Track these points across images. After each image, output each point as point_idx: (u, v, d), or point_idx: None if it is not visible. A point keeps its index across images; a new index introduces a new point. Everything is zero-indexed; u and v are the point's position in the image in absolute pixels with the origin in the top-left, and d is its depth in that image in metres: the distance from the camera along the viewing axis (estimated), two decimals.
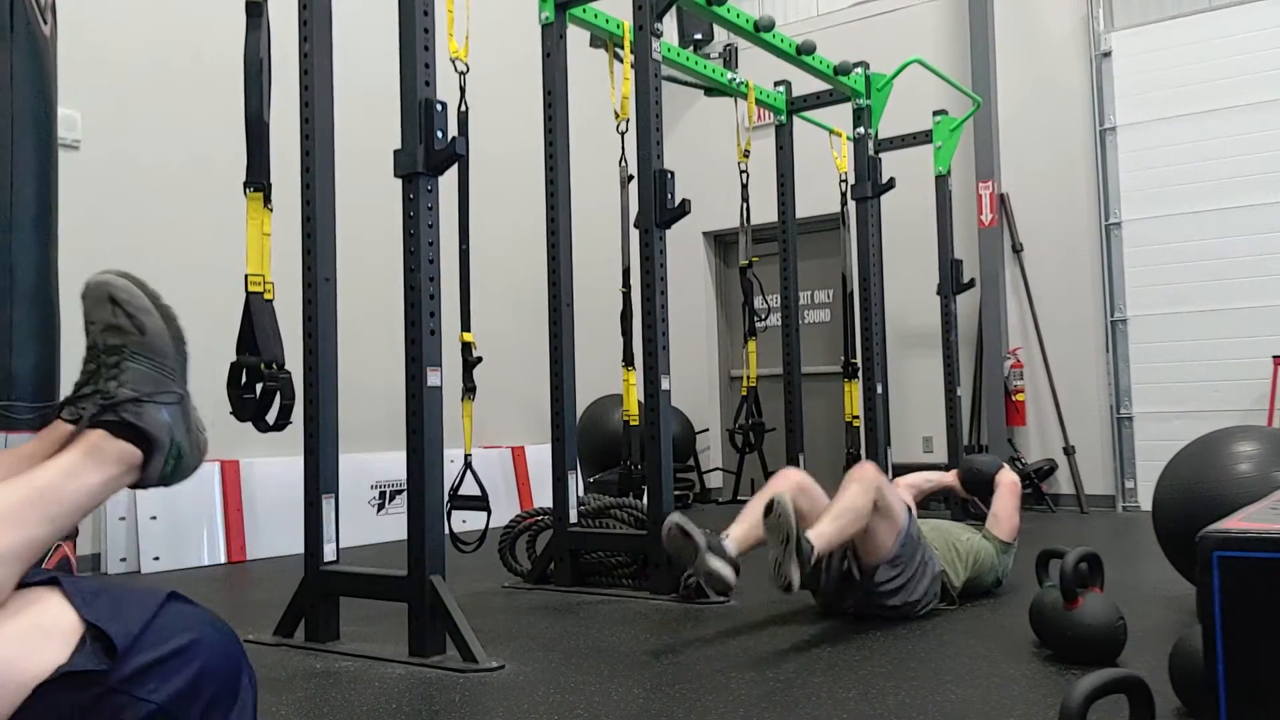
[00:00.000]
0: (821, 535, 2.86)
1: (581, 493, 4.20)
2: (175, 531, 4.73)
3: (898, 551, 3.10)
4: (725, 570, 2.91)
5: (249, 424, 3.02)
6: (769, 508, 2.80)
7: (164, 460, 1.23)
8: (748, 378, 5.61)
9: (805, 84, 5.80)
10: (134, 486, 1.24)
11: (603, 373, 6.07)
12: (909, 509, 3.25)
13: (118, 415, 1.21)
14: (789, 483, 3.16)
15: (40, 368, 2.89)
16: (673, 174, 3.79)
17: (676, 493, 6.73)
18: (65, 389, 3.06)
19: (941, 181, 6.20)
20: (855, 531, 2.99)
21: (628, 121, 4.27)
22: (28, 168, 2.64)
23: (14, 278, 2.70)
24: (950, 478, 3.89)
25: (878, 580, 3.10)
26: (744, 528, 3.04)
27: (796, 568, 2.72)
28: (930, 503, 4.03)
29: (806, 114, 6.00)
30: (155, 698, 1.03)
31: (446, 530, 2.95)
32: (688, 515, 2.94)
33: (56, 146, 2.79)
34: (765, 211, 6.20)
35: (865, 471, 3.06)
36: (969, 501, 4.32)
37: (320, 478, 3.07)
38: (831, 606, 3.27)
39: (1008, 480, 3.66)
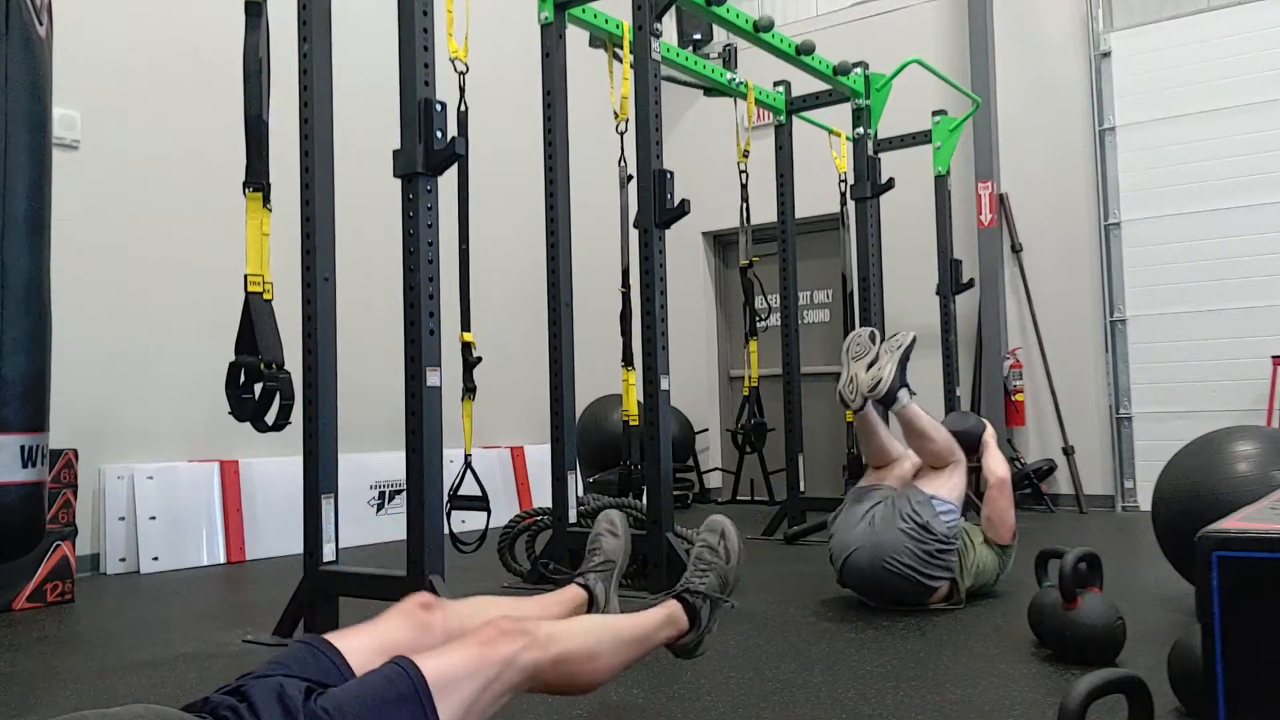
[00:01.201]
0: (916, 407, 3.29)
1: (581, 493, 4.20)
2: (175, 532, 4.73)
3: (947, 502, 3.26)
4: (864, 382, 3.37)
5: (248, 424, 3.02)
6: (895, 335, 3.36)
7: (694, 640, 2.04)
8: (749, 378, 5.61)
9: (804, 84, 5.80)
10: (670, 646, 2.03)
11: (602, 373, 6.07)
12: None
13: (692, 600, 2.05)
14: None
15: (31, 372, 2.89)
16: (672, 174, 3.79)
17: (676, 493, 6.74)
18: (56, 394, 3.04)
19: (941, 182, 6.20)
20: (933, 443, 3.32)
21: (627, 121, 4.27)
22: (22, 170, 2.64)
23: (6, 280, 2.69)
24: None
25: (925, 499, 3.25)
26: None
27: (895, 372, 3.20)
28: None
29: (806, 114, 6.00)
30: None
31: (446, 530, 2.95)
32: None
33: (51, 148, 2.79)
34: (765, 211, 6.20)
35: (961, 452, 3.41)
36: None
37: (320, 478, 3.07)
38: (848, 532, 3.35)
39: (996, 482, 3.63)
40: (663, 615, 1.97)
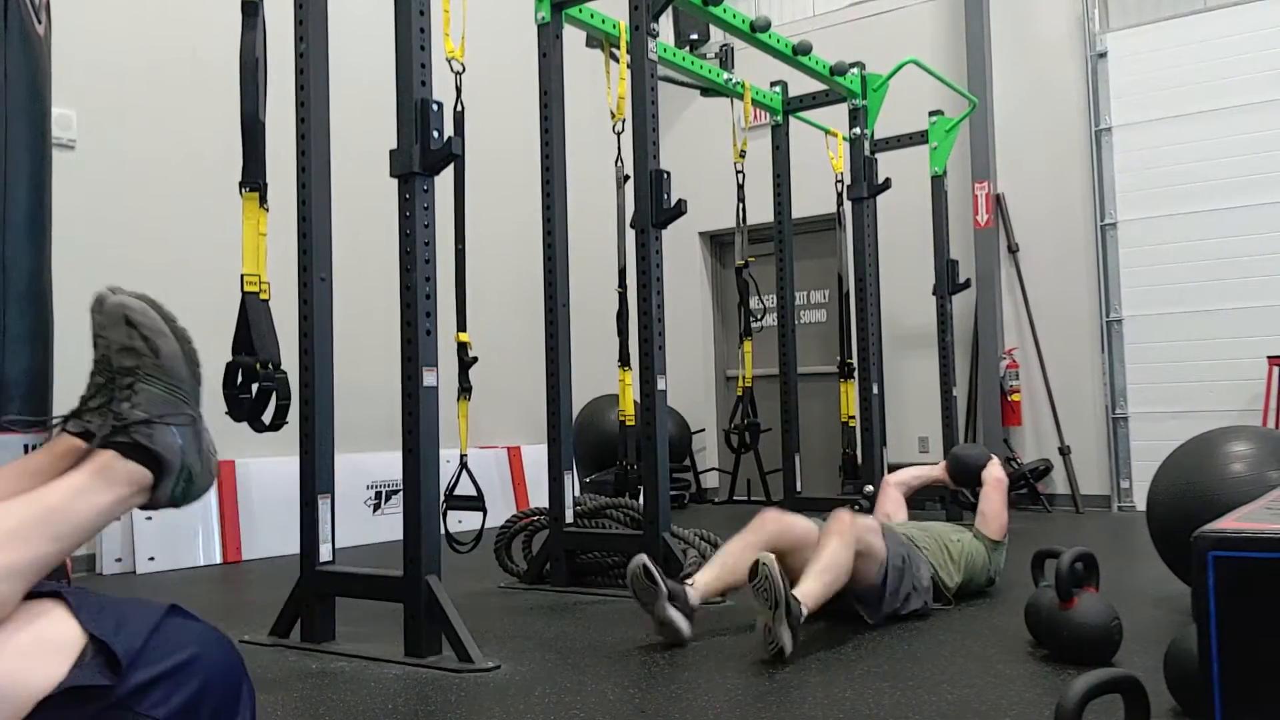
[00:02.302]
0: (809, 594, 2.78)
1: (577, 493, 4.20)
2: (171, 532, 4.72)
3: (881, 581, 3.07)
4: (681, 623, 2.90)
5: (245, 424, 3.02)
6: (753, 570, 2.70)
7: (174, 483, 1.23)
8: (743, 378, 5.62)
9: (801, 84, 5.80)
10: (143, 508, 1.22)
11: (599, 373, 6.07)
12: (891, 531, 3.23)
13: (129, 436, 1.21)
14: (766, 534, 3.14)
15: (33, 371, 2.88)
16: (669, 174, 3.79)
17: (672, 493, 6.72)
18: (59, 392, 3.06)
19: (937, 182, 6.21)
20: (840, 585, 2.91)
21: (624, 121, 4.27)
22: (21, 168, 2.63)
23: (7, 278, 2.69)
24: (939, 470, 3.92)
25: (861, 599, 3.09)
26: (713, 574, 3.05)
27: (788, 631, 2.64)
28: (924, 503, 4.04)
29: (803, 114, 6.01)
30: (157, 713, 1.03)
31: (442, 530, 2.95)
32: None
33: (51, 146, 2.79)
34: (761, 211, 6.20)
35: (843, 524, 2.97)
36: (958, 492, 4.33)
37: (316, 478, 3.06)
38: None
39: (993, 477, 3.65)
40: (87, 477, 1.16)
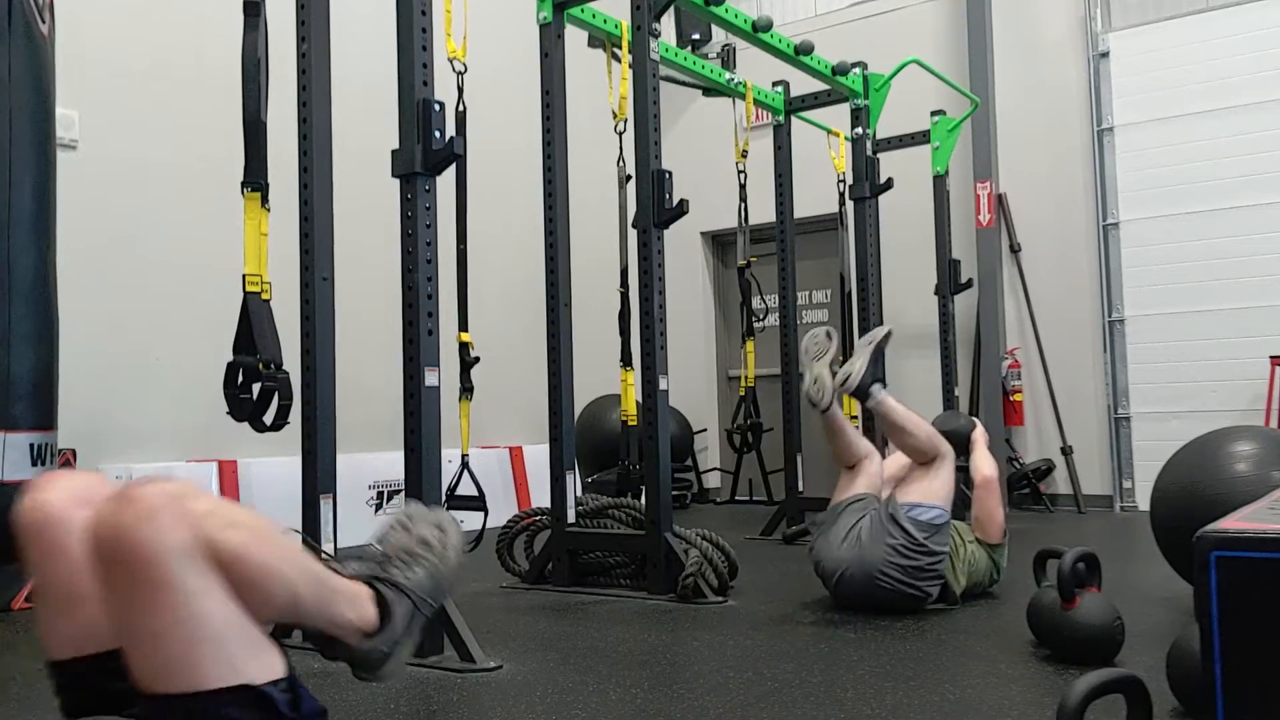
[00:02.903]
0: (891, 400, 3.22)
1: (579, 493, 4.20)
2: None
3: (931, 509, 3.17)
4: (829, 383, 3.23)
5: (246, 424, 3.02)
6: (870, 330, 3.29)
7: (379, 647, 1.44)
8: (746, 378, 5.61)
9: (803, 84, 5.80)
10: (332, 650, 1.45)
11: (601, 373, 6.06)
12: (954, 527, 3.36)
13: (383, 589, 1.46)
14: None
15: (38, 369, 2.88)
16: (670, 174, 3.79)
17: (674, 493, 6.73)
18: (62, 391, 3.04)
19: (939, 182, 6.20)
20: (913, 438, 3.23)
21: (625, 121, 4.27)
22: (26, 168, 2.63)
23: (12, 277, 2.69)
24: None
25: (908, 514, 3.16)
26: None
27: (866, 366, 3.10)
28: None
29: (804, 114, 6.00)
30: None
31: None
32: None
33: (55, 146, 2.79)
34: (763, 211, 6.20)
35: (947, 444, 3.34)
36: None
37: (318, 478, 3.06)
38: (830, 557, 3.28)
39: (981, 476, 3.60)
40: (350, 587, 1.44)
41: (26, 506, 1.35)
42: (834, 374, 3.28)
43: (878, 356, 3.27)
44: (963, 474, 3.73)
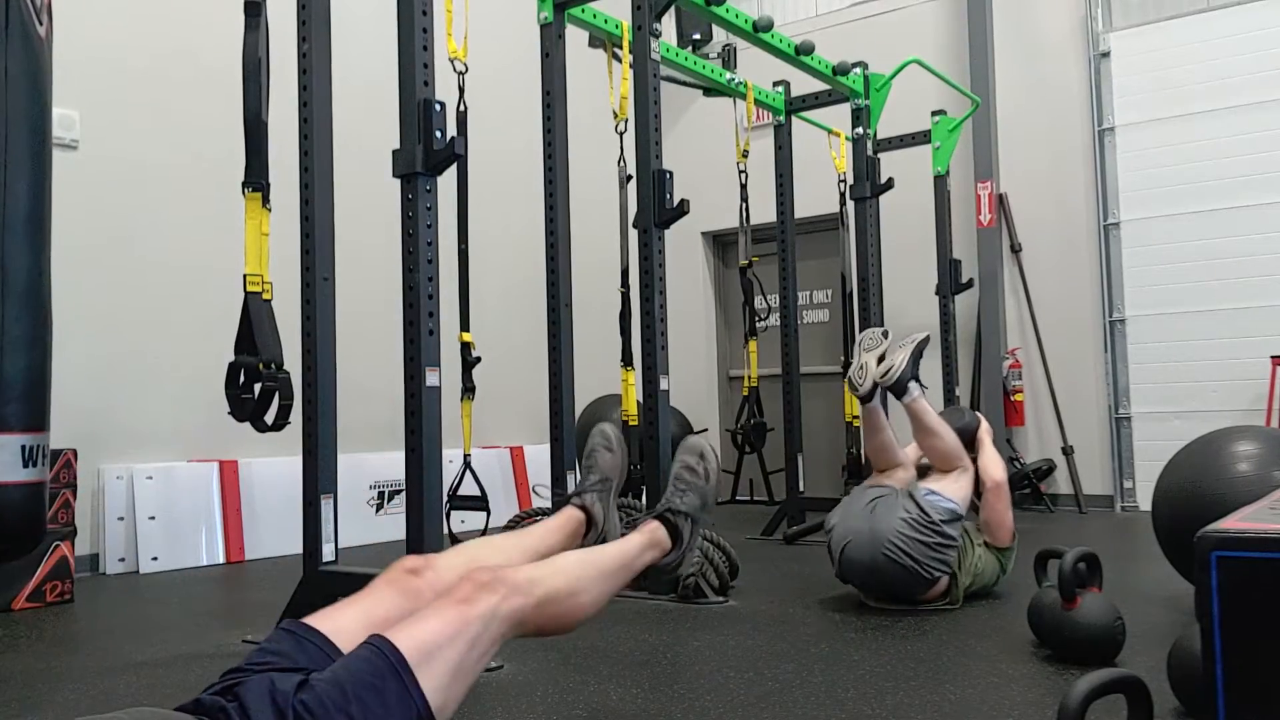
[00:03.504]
0: (925, 402, 3.35)
1: None
2: (174, 532, 4.73)
3: (951, 499, 3.27)
4: (872, 369, 3.42)
5: (247, 424, 3.02)
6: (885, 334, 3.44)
7: (676, 559, 2.04)
8: (749, 378, 5.61)
9: (804, 84, 5.79)
10: (639, 575, 1.99)
11: (602, 373, 6.07)
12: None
13: (673, 519, 2.05)
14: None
15: (31, 371, 2.89)
16: (671, 174, 3.79)
17: None
18: (56, 392, 3.04)
19: (940, 182, 6.20)
20: (942, 442, 3.38)
21: (626, 121, 4.27)
22: (21, 169, 2.63)
23: (6, 279, 2.69)
24: None
25: (928, 494, 3.27)
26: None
27: (908, 361, 3.30)
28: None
29: (805, 114, 6.00)
30: None
31: (445, 530, 2.95)
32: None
33: (51, 148, 2.79)
34: (764, 211, 6.20)
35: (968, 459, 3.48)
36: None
37: (319, 478, 3.06)
38: (846, 527, 3.34)
39: (992, 481, 3.57)
40: (644, 539, 1.98)
41: (400, 569, 1.69)
42: (878, 360, 3.45)
43: (917, 357, 3.42)
44: (975, 483, 3.74)
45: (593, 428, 2.31)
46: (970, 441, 3.69)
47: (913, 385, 3.38)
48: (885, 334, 3.55)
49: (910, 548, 3.17)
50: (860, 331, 5.66)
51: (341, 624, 1.52)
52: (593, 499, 2.13)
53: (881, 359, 3.44)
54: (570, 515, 2.10)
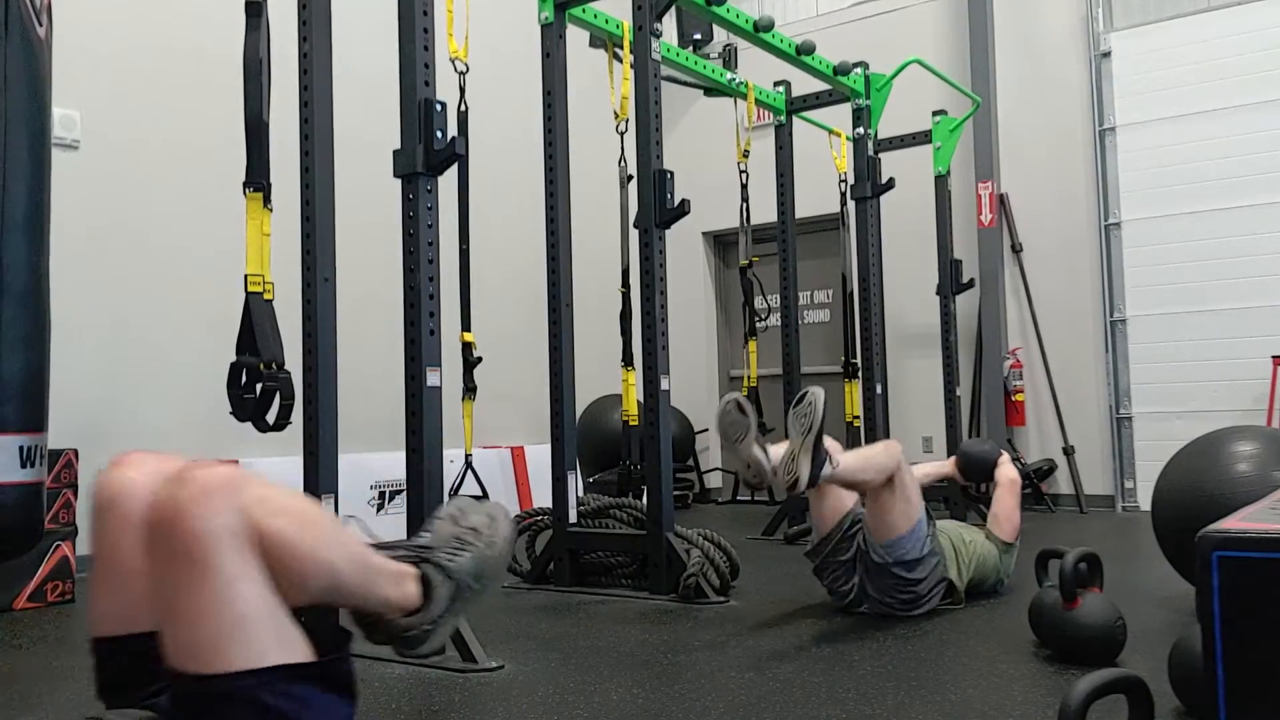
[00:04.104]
0: (843, 460, 2.80)
1: (581, 493, 4.20)
2: None
3: (910, 537, 3.08)
4: (764, 461, 2.81)
5: (249, 424, 3.02)
6: (800, 398, 2.73)
7: (419, 626, 1.51)
8: (748, 378, 5.61)
9: (805, 84, 5.80)
10: (373, 625, 1.51)
11: (602, 373, 6.06)
12: (927, 512, 3.23)
13: (434, 573, 1.53)
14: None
15: (29, 371, 2.89)
16: (672, 174, 3.79)
17: (676, 493, 6.74)
18: (54, 392, 3.03)
19: (941, 182, 6.20)
20: (872, 480, 2.93)
21: (627, 121, 4.27)
22: (20, 169, 2.63)
23: (4, 279, 2.69)
24: (949, 466, 3.92)
25: (892, 559, 3.08)
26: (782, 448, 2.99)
27: (809, 466, 2.62)
28: (932, 502, 4.05)
29: (806, 114, 6.00)
30: None
31: None
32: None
33: (50, 149, 2.79)
34: (765, 211, 6.20)
35: (892, 443, 3.10)
36: (967, 487, 4.32)
37: (320, 477, 3.06)
38: (837, 590, 3.26)
39: (1006, 478, 3.66)
40: (395, 567, 1.50)
41: (104, 480, 1.43)
42: (764, 448, 2.88)
43: (818, 444, 2.80)
44: (974, 500, 3.74)
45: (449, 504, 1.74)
46: (990, 470, 3.71)
47: (824, 470, 2.85)
48: (741, 406, 2.91)
49: (908, 599, 3.16)
50: (858, 331, 5.70)
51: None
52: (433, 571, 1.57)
53: (759, 439, 2.91)
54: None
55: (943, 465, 3.94)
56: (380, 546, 1.52)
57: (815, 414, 2.67)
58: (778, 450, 2.94)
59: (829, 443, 2.91)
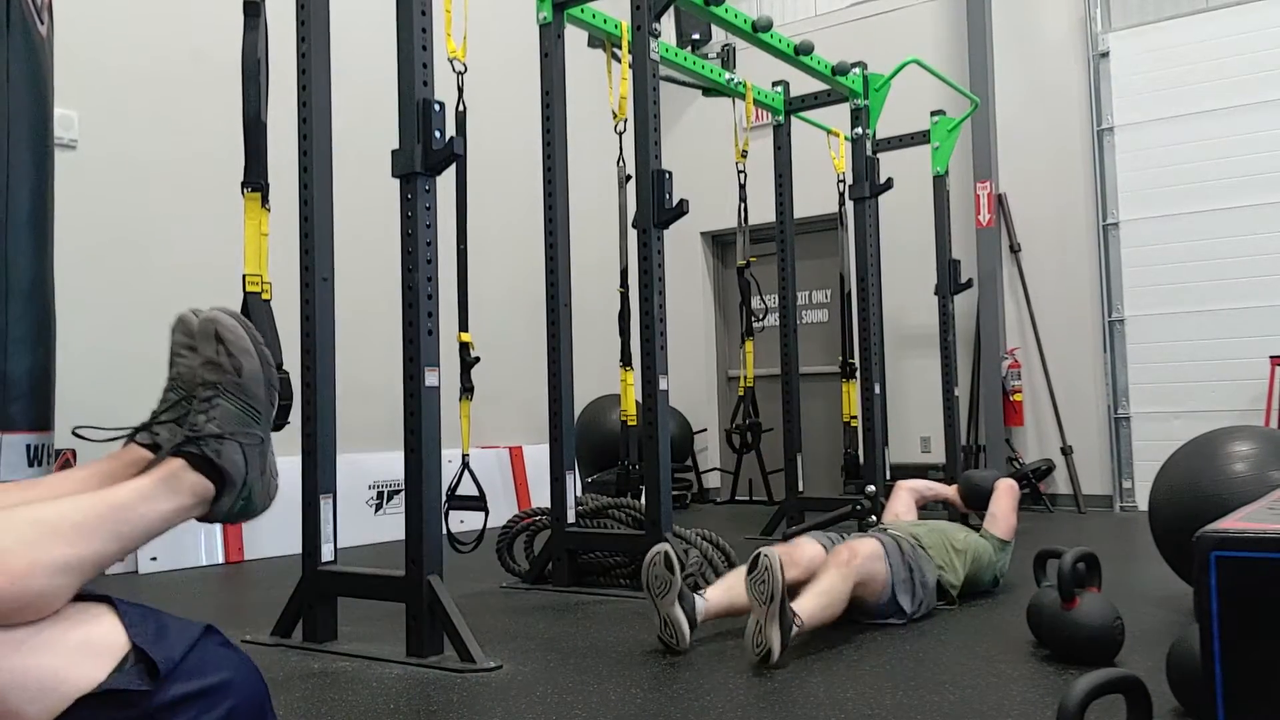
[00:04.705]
0: (806, 609, 2.72)
1: (579, 493, 4.20)
2: (173, 531, 4.68)
3: (889, 599, 3.08)
4: (684, 626, 2.77)
5: None
6: (754, 563, 2.63)
7: (234, 499, 1.33)
8: (745, 378, 5.61)
9: (803, 84, 5.80)
10: (200, 519, 1.30)
11: (601, 373, 6.07)
12: (896, 539, 3.19)
13: (199, 449, 1.29)
14: (779, 549, 2.94)
15: (35, 370, 2.88)
16: (670, 174, 3.78)
17: (674, 493, 6.74)
18: (60, 391, 3.06)
19: (939, 182, 6.20)
20: (837, 614, 2.87)
21: (625, 121, 4.27)
22: (23, 169, 2.63)
23: (9, 278, 2.69)
24: (951, 491, 4.02)
25: (873, 614, 3.10)
26: (722, 590, 2.95)
27: (779, 634, 2.55)
28: (929, 503, 4.07)
29: (804, 114, 6.00)
30: None
31: (444, 530, 2.95)
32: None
33: (52, 147, 2.79)
34: (763, 211, 6.20)
35: (841, 558, 2.95)
36: (967, 515, 4.34)
37: (318, 478, 3.06)
38: None
39: (1005, 484, 3.75)
40: (155, 483, 1.24)
41: None
42: (689, 610, 2.80)
43: (782, 612, 2.62)
44: (979, 491, 3.79)
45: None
46: (986, 497, 3.73)
47: (793, 632, 2.68)
48: (669, 560, 2.81)
49: (917, 609, 3.17)
50: (857, 331, 5.70)
51: None
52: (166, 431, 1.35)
53: (690, 581, 2.90)
54: (135, 454, 1.35)
55: (945, 489, 4.04)
56: (132, 444, 1.34)
57: (774, 579, 2.56)
58: (715, 594, 2.90)
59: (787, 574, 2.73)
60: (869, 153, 5.53)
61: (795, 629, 2.64)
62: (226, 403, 1.33)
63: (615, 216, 4.63)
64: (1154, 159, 6.36)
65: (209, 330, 1.36)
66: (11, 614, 1.02)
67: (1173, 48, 6.33)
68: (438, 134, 2.86)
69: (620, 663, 2.72)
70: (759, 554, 2.65)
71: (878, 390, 5.66)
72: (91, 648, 1.04)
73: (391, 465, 5.52)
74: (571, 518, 3.97)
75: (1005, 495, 3.67)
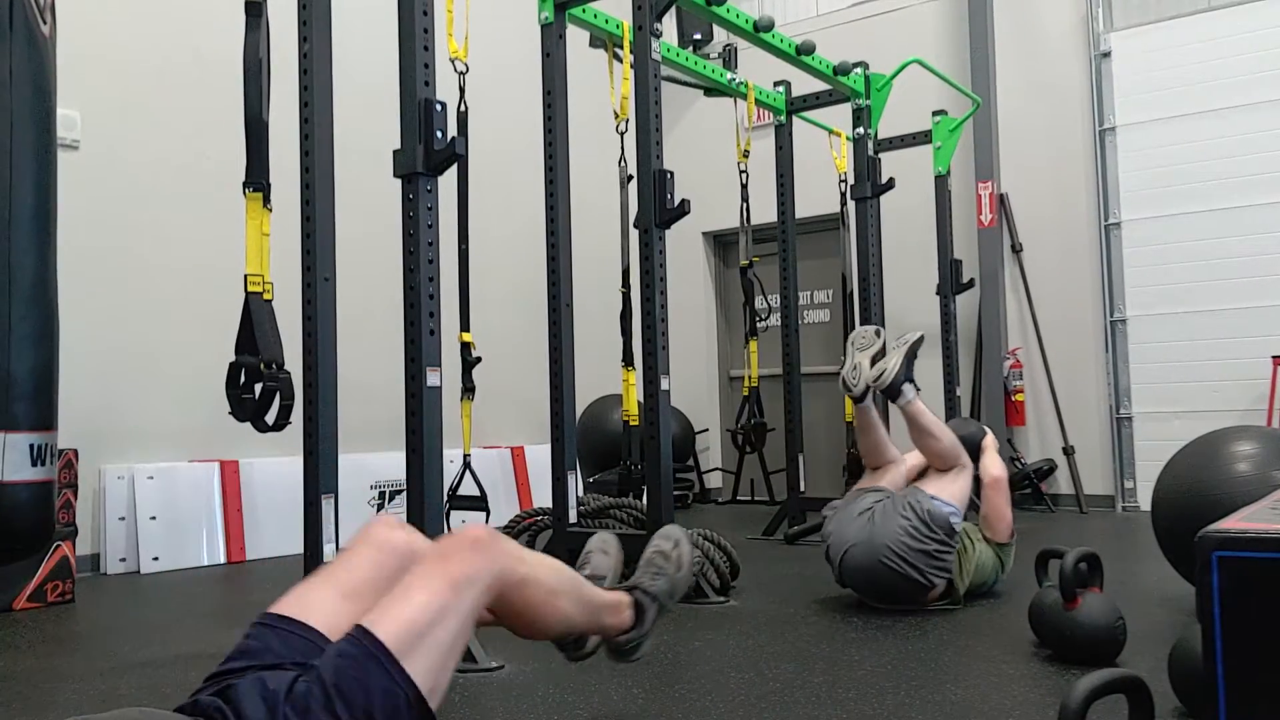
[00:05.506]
0: (921, 403, 3.31)
1: (581, 493, 4.20)
2: (175, 532, 4.73)
3: (952, 508, 3.25)
4: (867, 373, 3.42)
5: (248, 424, 3.02)
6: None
7: (634, 641, 1.97)
8: (749, 378, 5.61)
9: (805, 84, 5.80)
10: (573, 653, 1.98)
11: (602, 373, 6.07)
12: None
13: (643, 598, 2.00)
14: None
15: (38, 370, 2.88)
16: (672, 174, 3.78)
17: (676, 493, 6.74)
18: (63, 391, 3.04)
19: (941, 181, 6.20)
20: (942, 442, 3.33)
21: (627, 121, 4.27)
22: (26, 167, 2.63)
23: (12, 278, 2.69)
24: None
25: (929, 507, 3.22)
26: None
27: (895, 370, 3.24)
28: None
29: (806, 114, 6.00)
30: None
31: (446, 530, 2.95)
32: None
33: (55, 146, 2.79)
34: (765, 211, 6.20)
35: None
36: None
37: (320, 478, 3.06)
38: (842, 536, 3.32)
39: (990, 477, 3.61)
40: (613, 599, 1.94)
41: (373, 527, 1.65)
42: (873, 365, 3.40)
43: (910, 359, 3.39)
44: (974, 482, 3.75)
45: (595, 535, 2.21)
46: (976, 451, 3.71)
47: (907, 388, 3.35)
48: (878, 332, 3.54)
49: (910, 556, 3.17)
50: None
51: (314, 603, 1.51)
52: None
53: (876, 359, 3.43)
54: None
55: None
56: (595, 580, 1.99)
57: (914, 337, 3.36)
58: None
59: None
60: (870, 153, 5.53)
61: (911, 386, 3.33)
62: (666, 582, 2.07)
63: (617, 216, 4.63)
64: (1156, 159, 6.36)
65: (674, 534, 2.17)
66: (515, 622, 1.70)
67: (1175, 47, 6.32)
68: (439, 134, 2.86)
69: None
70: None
71: None
72: (434, 680, 1.44)
73: (393, 465, 5.53)
74: (573, 517, 3.97)
75: (995, 495, 3.56)
